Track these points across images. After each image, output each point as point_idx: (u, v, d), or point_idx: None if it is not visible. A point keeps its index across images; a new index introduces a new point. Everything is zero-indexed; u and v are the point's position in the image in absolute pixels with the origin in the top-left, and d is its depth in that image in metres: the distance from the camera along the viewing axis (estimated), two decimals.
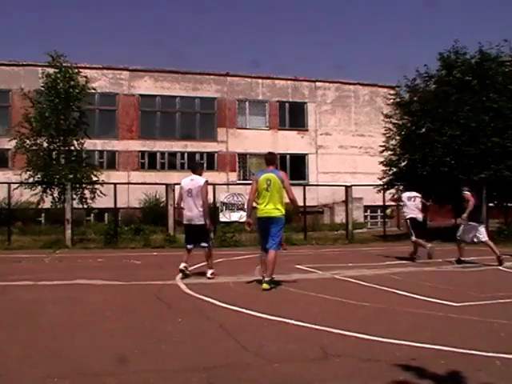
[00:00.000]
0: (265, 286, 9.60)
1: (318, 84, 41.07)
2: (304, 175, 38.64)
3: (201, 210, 11.14)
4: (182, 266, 11.12)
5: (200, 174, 11.57)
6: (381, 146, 25.86)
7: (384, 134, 25.87)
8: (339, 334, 6.23)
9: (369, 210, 37.35)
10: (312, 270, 12.52)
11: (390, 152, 25.35)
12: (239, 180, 37.72)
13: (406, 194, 16.77)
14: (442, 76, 24.25)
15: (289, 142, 39.46)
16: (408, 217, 15.74)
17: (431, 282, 10.69)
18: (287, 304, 8.35)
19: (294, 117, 40.41)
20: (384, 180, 25.50)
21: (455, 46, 23.82)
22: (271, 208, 9.87)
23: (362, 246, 20.50)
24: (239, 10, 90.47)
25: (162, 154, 37.59)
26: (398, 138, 25.32)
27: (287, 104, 40.39)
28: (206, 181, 11.41)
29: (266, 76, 40.15)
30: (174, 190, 21.70)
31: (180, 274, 11.07)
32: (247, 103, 39.67)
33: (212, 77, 39.09)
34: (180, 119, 38.52)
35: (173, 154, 37.79)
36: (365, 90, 41.99)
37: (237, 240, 20.89)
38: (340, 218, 30.74)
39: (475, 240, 14.09)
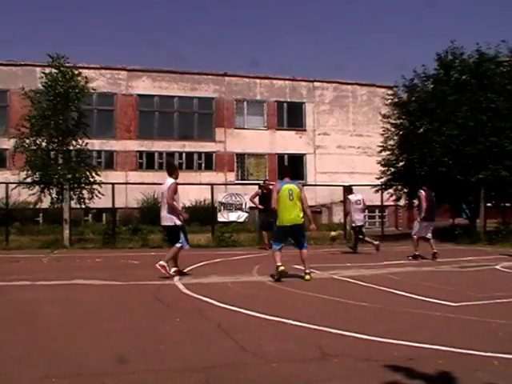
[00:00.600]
0: (308, 277, 10.85)
1: (316, 84, 41.14)
2: (302, 175, 38.65)
3: (169, 211, 11.35)
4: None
5: (176, 177, 11.72)
6: (379, 146, 25.87)
7: (382, 134, 25.88)
8: (337, 334, 6.24)
9: (367, 210, 37.33)
10: (310, 270, 12.52)
11: (387, 152, 25.37)
12: (237, 180, 37.81)
13: (353, 198, 17.21)
14: (439, 76, 24.28)
15: (287, 142, 39.53)
16: (359, 224, 17.64)
17: (429, 281, 10.71)
18: (285, 304, 8.36)
19: (292, 117, 40.47)
20: (382, 180, 25.53)
21: (452, 47, 23.87)
22: (297, 216, 10.94)
23: (359, 246, 20.48)
24: (238, 9, 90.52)
25: (160, 154, 37.62)
26: (395, 138, 25.34)
27: (285, 104, 40.46)
28: (174, 183, 11.50)
29: (264, 76, 40.20)
30: None
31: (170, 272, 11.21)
32: (245, 103, 39.71)
33: (210, 77, 39.15)
34: (178, 119, 38.57)
35: (171, 154, 37.80)
36: (363, 90, 42.07)
37: (235, 240, 20.91)
38: (338, 218, 30.76)
39: (427, 236, 15.49)
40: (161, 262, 11.11)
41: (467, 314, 7.36)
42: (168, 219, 11.39)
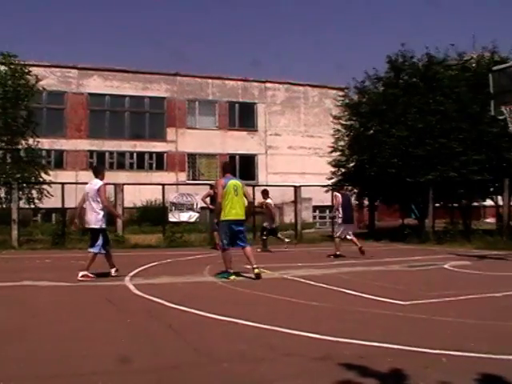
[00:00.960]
0: (257, 271, 10.94)
1: (268, 85, 41.30)
2: (253, 175, 38.78)
3: (96, 213, 11.22)
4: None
5: (102, 178, 11.56)
6: (329, 146, 26.13)
7: (333, 135, 26.13)
8: (288, 334, 6.24)
9: (317, 211, 37.66)
10: (261, 270, 12.55)
11: (338, 153, 25.62)
12: (188, 180, 37.68)
13: (270, 201, 17.75)
14: (390, 78, 24.63)
15: (238, 143, 39.58)
16: (272, 226, 18.70)
17: (379, 281, 10.82)
18: (236, 304, 8.35)
19: (243, 117, 40.59)
20: (332, 181, 25.75)
21: (403, 50, 24.21)
22: (241, 211, 11.06)
23: (310, 246, 20.63)
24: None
25: (111, 153, 37.30)
26: (346, 139, 25.62)
27: (237, 104, 40.53)
28: (103, 184, 11.40)
29: (216, 76, 40.17)
30: (122, 191, 21.50)
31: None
32: (197, 103, 39.64)
33: (162, 76, 38.98)
34: (129, 119, 38.30)
35: (122, 154, 37.50)
36: (314, 92, 42.37)
37: (186, 240, 20.83)
38: (289, 218, 30.89)
39: (348, 237, 16.10)
40: (80, 274, 10.96)
41: (416, 313, 7.45)
42: (94, 222, 11.21)
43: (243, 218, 11.17)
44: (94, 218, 11.18)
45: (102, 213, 11.23)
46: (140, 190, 29.55)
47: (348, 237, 16.08)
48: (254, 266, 10.98)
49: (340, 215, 16.06)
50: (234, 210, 10.96)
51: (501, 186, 21.82)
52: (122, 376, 4.82)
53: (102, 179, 11.49)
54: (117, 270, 11.42)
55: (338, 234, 16.23)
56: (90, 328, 6.69)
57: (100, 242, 11.24)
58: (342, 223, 16.07)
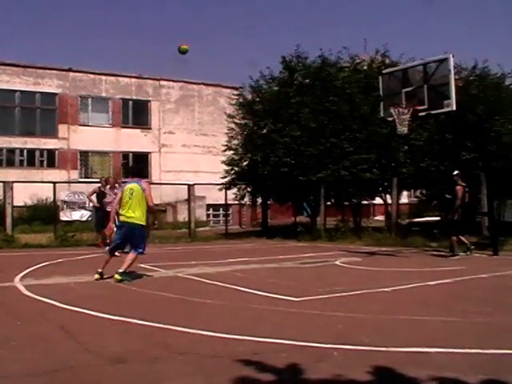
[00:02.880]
0: (117, 276, 10.11)
1: (163, 83, 41.07)
2: (147, 173, 38.33)
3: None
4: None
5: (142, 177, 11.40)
6: (223, 145, 26.19)
7: (227, 134, 26.21)
8: (183, 332, 6.20)
9: (211, 209, 37.72)
10: (155, 268, 12.42)
11: (232, 151, 25.71)
12: (81, 178, 36.87)
13: None
14: (284, 78, 24.95)
15: (132, 140, 39.15)
16: None
17: (272, 278, 10.93)
18: (130, 303, 8.21)
19: (137, 115, 40.22)
20: (226, 179, 25.84)
21: (297, 51, 24.58)
22: (130, 215, 10.49)
23: (204, 244, 20.61)
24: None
25: (1, 150, 36.08)
26: (240, 137, 25.74)
27: (131, 102, 40.06)
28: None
29: (109, 73, 39.57)
30: (12, 189, 20.69)
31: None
32: (90, 100, 38.91)
33: (54, 71, 37.90)
34: (19, 114, 37.06)
35: (12, 151, 36.30)
36: (208, 90, 42.47)
37: (78, 239, 20.33)
38: (183, 216, 30.81)
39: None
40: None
41: (309, 308, 7.57)
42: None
43: (131, 221, 10.52)
44: None
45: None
46: (31, 188, 28.72)
47: None
48: (120, 270, 10.24)
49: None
50: (124, 213, 10.57)
51: (390, 184, 22.57)
52: (12, 380, 4.62)
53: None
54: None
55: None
56: None
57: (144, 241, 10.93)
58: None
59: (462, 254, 15.06)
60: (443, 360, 5.11)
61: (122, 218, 10.67)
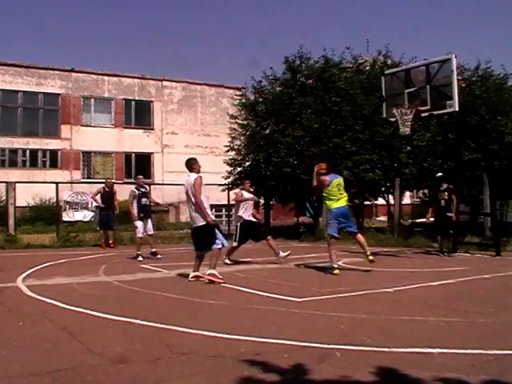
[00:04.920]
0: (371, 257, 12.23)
1: (165, 83, 41.05)
2: (149, 174, 38.32)
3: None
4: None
5: (197, 171, 10.78)
6: (226, 146, 26.15)
7: (229, 134, 26.18)
8: (185, 332, 6.20)
9: (214, 209, 37.62)
10: (157, 269, 12.45)
11: (234, 152, 25.68)
12: (83, 178, 36.88)
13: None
14: (287, 79, 24.93)
15: (134, 141, 39.16)
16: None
17: (274, 278, 10.92)
18: (132, 304, 8.21)
19: (139, 115, 40.18)
20: (229, 180, 25.82)
21: (300, 51, 24.55)
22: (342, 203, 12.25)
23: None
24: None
25: (3, 150, 36.00)
26: (242, 138, 25.71)
27: (133, 102, 40.03)
28: (198, 176, 10.60)
29: (112, 73, 39.56)
30: (14, 189, 20.72)
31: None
32: (92, 100, 38.89)
33: (56, 72, 37.87)
34: (22, 115, 37.05)
35: (14, 151, 36.31)
36: (211, 91, 42.43)
37: (81, 240, 20.33)
38: (185, 216, 30.73)
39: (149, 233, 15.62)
40: (208, 272, 10.32)
41: (311, 309, 7.56)
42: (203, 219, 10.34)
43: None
44: (201, 214, 10.31)
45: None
46: (33, 188, 28.76)
47: (149, 233, 15.50)
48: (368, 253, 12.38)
49: (136, 213, 15.15)
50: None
51: (392, 185, 22.54)
52: (15, 380, 4.62)
53: (197, 172, 10.66)
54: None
55: (138, 233, 15.27)
56: None
57: (220, 235, 10.55)
58: (138, 220, 15.19)
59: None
60: (446, 361, 5.10)
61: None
